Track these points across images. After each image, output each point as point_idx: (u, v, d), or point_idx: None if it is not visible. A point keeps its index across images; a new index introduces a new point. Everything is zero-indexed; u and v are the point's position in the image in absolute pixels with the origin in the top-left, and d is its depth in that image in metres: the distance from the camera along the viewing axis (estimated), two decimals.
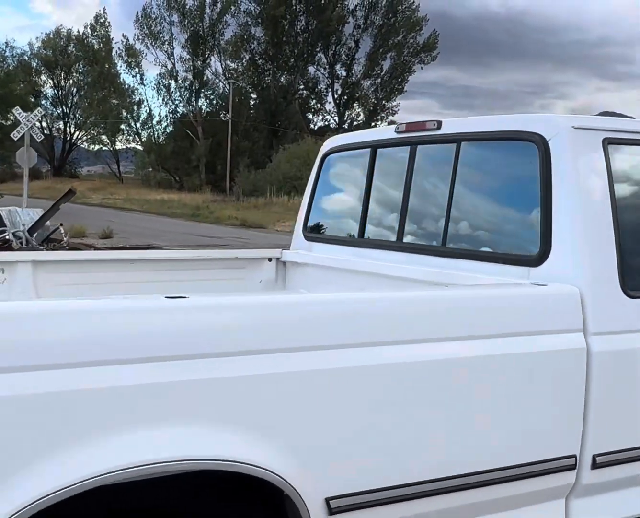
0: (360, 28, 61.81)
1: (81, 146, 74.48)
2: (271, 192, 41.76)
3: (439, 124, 3.91)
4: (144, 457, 2.18)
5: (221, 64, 62.08)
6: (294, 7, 59.31)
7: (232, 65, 61.82)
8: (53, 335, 2.15)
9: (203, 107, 63.55)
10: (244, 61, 61.42)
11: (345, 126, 62.39)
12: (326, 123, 65.35)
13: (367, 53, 61.86)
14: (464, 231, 3.72)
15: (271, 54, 59.98)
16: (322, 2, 58.76)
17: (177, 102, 64.05)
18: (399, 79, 63.32)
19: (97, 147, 73.25)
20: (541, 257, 3.26)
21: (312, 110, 65.79)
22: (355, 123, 63.22)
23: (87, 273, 4.31)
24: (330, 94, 64.09)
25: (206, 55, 61.71)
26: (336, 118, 64.48)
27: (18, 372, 2.06)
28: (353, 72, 63.04)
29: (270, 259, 4.89)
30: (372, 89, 63.24)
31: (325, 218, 4.81)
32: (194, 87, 62.24)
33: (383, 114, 64.04)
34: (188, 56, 61.14)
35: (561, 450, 3.06)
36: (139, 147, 68.37)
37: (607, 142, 3.34)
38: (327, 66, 62.89)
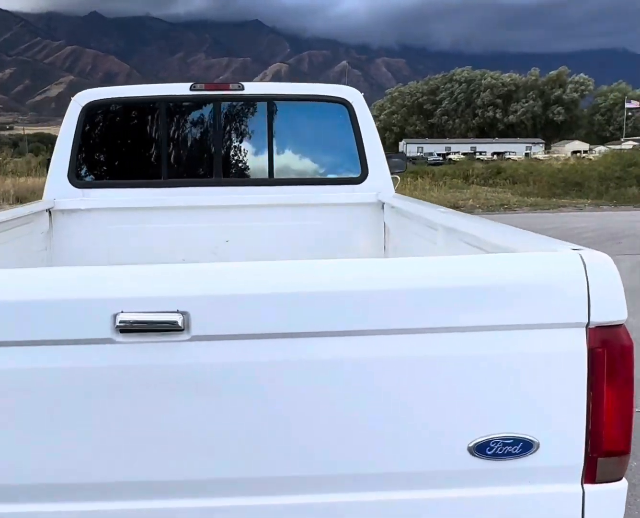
0: None
1: None
2: None
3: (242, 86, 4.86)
4: None
5: None
6: None
7: None
8: None
9: None
10: None
11: None
12: None
13: None
14: (297, 167, 4.92)
15: None
16: None
17: None
18: None
19: None
20: (363, 178, 4.93)
21: None
22: None
23: None
24: None
25: None
26: None
27: None
28: None
29: (47, 211, 4.59)
30: None
31: (104, 165, 4.81)
32: None
33: None
34: None
35: None
36: None
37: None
38: None
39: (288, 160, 4.95)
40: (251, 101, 4.87)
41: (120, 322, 1.83)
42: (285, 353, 1.86)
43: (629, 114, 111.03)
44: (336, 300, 1.86)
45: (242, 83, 4.84)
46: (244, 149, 4.95)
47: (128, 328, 1.84)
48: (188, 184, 4.83)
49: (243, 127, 4.94)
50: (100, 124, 4.81)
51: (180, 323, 1.83)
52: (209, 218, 4.77)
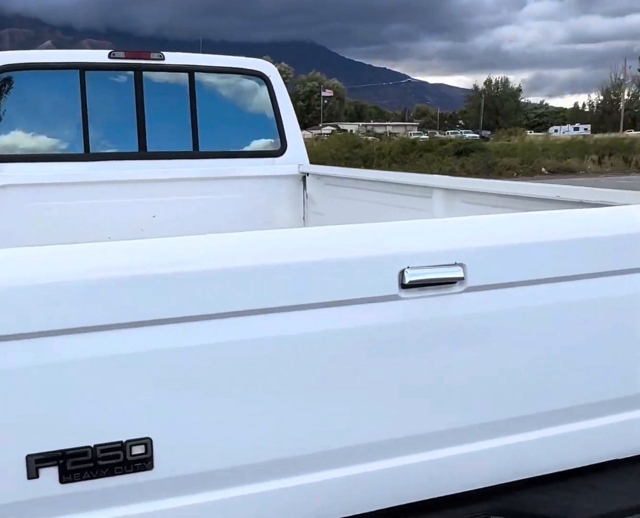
0: None
1: None
2: None
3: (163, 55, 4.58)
4: None
5: None
6: None
7: None
8: None
9: None
10: None
11: None
12: None
13: None
14: (220, 140, 4.75)
15: None
16: None
17: None
18: None
19: None
20: (282, 151, 4.95)
21: None
22: None
23: None
24: None
25: None
26: None
27: None
28: None
29: None
30: None
31: (18, 137, 4.16)
32: None
33: None
34: None
35: None
36: None
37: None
38: None
39: (211, 133, 4.79)
40: (172, 71, 4.63)
41: (408, 279, 1.83)
42: (558, 296, 2.00)
43: (325, 101, 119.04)
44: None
45: (163, 53, 4.59)
46: (166, 121, 4.69)
47: (412, 284, 1.84)
48: (110, 157, 4.46)
49: (165, 98, 4.68)
50: (12, 91, 4.22)
51: (459, 276, 1.88)
52: (134, 193, 4.47)
